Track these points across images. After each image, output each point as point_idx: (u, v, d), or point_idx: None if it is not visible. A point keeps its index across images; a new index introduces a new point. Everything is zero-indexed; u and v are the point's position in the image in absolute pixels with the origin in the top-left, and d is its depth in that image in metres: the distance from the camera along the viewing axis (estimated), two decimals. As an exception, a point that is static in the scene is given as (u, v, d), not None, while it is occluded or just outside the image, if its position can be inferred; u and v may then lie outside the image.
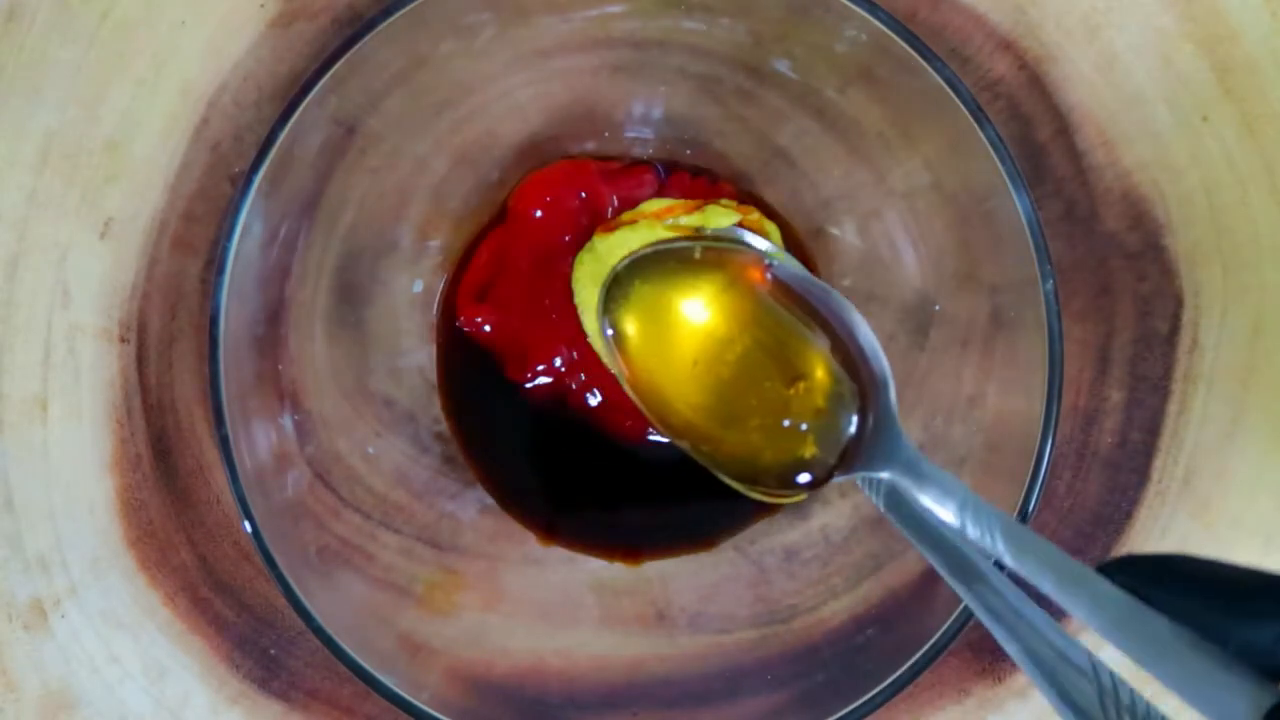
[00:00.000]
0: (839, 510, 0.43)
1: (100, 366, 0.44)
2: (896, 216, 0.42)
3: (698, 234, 0.41)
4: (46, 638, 0.44)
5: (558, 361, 0.44)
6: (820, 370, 0.38)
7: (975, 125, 0.35)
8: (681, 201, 0.44)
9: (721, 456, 0.40)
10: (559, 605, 0.43)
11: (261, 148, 0.36)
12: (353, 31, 0.36)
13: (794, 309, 0.39)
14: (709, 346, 0.40)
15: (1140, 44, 0.44)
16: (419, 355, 0.45)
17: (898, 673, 0.36)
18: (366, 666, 0.36)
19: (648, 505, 0.45)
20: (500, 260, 0.44)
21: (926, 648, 0.36)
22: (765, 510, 0.44)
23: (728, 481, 0.40)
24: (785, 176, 0.44)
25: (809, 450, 0.38)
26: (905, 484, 0.34)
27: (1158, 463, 0.44)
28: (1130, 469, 0.44)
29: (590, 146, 0.45)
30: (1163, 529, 0.44)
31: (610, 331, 0.41)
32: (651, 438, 0.45)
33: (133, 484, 0.44)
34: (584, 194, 0.44)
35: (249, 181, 0.36)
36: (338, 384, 0.42)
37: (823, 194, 0.44)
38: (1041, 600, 0.30)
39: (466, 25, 0.39)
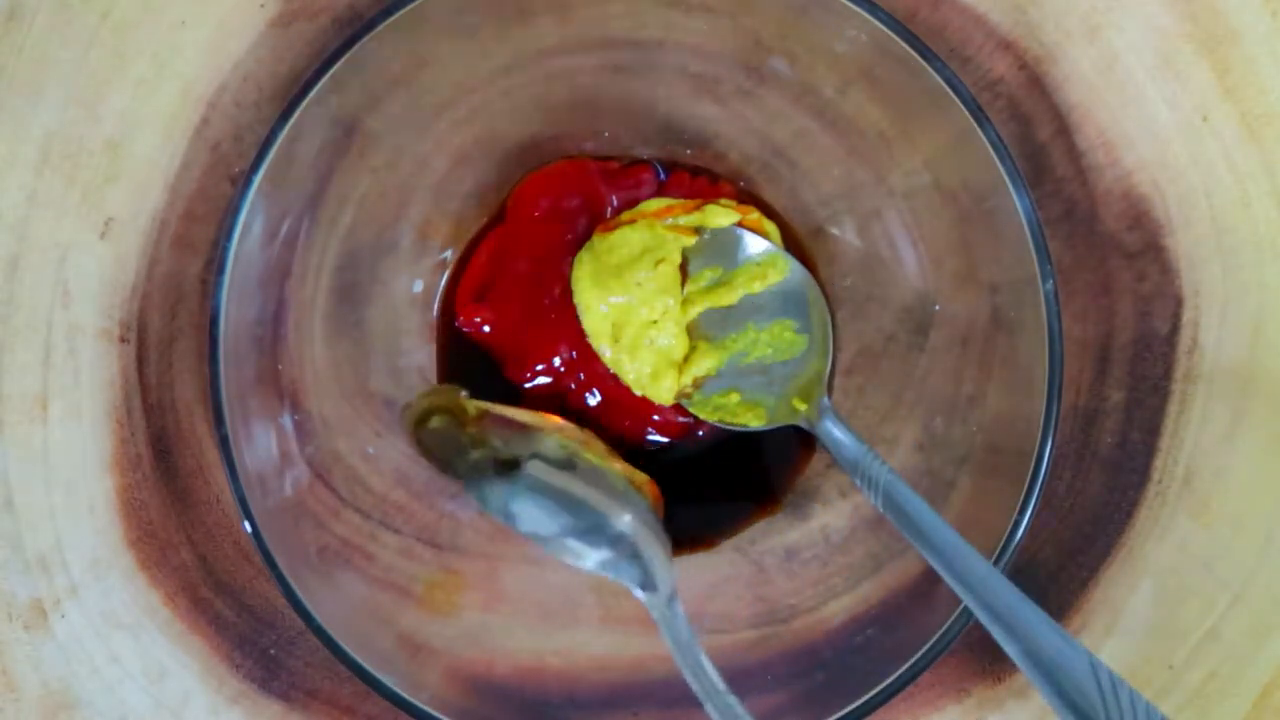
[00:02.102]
0: (839, 510, 0.43)
1: (100, 366, 0.44)
2: (896, 216, 0.42)
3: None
4: (46, 638, 0.44)
5: (557, 361, 0.44)
6: None
7: (975, 125, 0.35)
8: (681, 201, 0.44)
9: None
10: (559, 605, 0.43)
11: (261, 148, 0.36)
12: (353, 31, 0.36)
13: None
14: None
15: (1140, 44, 0.44)
16: (419, 355, 0.45)
17: (898, 673, 0.36)
18: (366, 666, 0.36)
19: (648, 505, 0.45)
20: (500, 260, 0.44)
21: (926, 648, 0.36)
22: (765, 510, 0.44)
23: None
24: (785, 176, 0.44)
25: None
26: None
27: (1158, 463, 0.44)
28: (1130, 469, 0.44)
29: (590, 146, 0.45)
30: (1163, 529, 0.44)
31: None
32: (651, 437, 0.45)
33: (133, 484, 0.44)
34: (583, 194, 0.44)
35: (249, 181, 0.36)
36: (338, 384, 0.42)
37: (823, 194, 0.44)
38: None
39: (466, 25, 0.39)
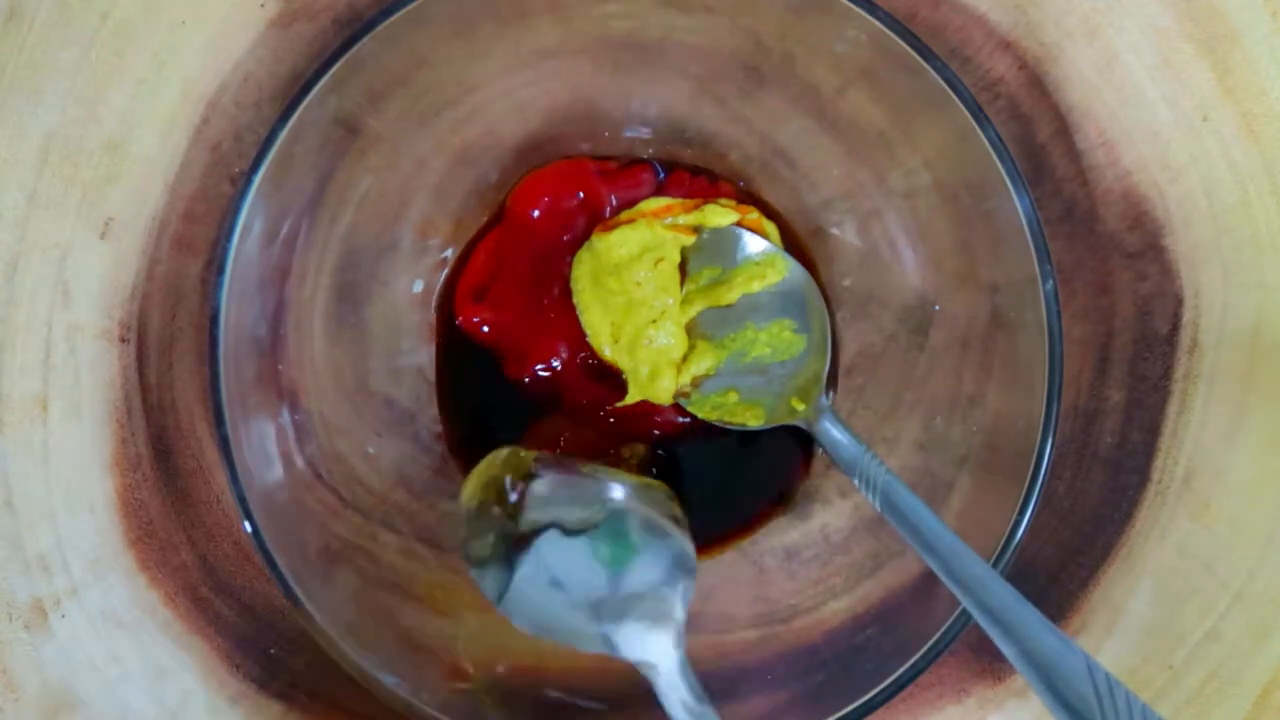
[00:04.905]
0: (839, 510, 0.43)
1: (100, 366, 0.44)
2: (896, 216, 0.42)
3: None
4: (46, 638, 0.44)
5: (556, 361, 0.44)
6: None
7: (975, 125, 0.35)
8: (680, 200, 0.44)
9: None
10: (559, 605, 0.43)
11: (261, 148, 0.36)
12: (353, 31, 0.36)
13: None
14: None
15: (1140, 44, 0.44)
16: (419, 355, 0.45)
17: (898, 673, 0.36)
18: (366, 666, 0.36)
19: (647, 505, 0.45)
20: (499, 260, 0.44)
21: (926, 648, 0.36)
22: (774, 511, 0.44)
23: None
24: (785, 176, 0.44)
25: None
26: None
27: (1158, 463, 0.44)
28: (1130, 469, 0.44)
29: (590, 146, 0.45)
30: (1163, 529, 0.44)
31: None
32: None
33: (133, 484, 0.44)
34: (582, 193, 0.44)
35: (249, 181, 0.36)
36: (338, 384, 0.42)
37: (823, 194, 0.44)
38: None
39: (466, 25, 0.39)
